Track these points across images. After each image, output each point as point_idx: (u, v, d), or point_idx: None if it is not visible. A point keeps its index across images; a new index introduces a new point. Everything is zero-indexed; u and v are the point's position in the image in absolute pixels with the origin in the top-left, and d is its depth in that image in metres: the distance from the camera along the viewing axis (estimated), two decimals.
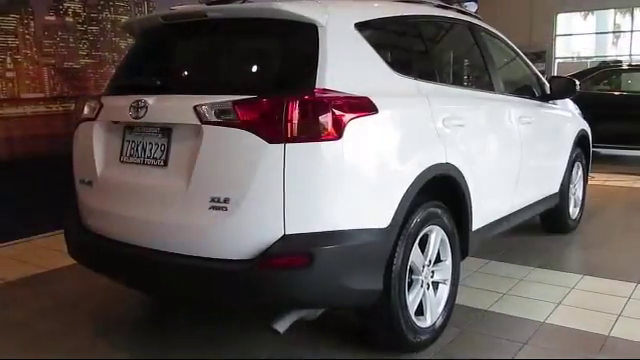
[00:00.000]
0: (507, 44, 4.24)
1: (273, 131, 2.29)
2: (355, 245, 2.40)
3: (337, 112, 2.34)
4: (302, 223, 2.33)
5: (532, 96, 4.31)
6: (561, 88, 4.41)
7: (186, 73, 2.86)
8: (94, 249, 2.87)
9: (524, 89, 4.29)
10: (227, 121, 2.37)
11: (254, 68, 2.69)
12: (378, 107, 2.51)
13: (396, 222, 2.57)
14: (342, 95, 2.40)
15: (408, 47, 3.08)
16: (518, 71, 4.37)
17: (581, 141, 5.06)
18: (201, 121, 2.41)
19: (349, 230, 2.39)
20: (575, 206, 5.16)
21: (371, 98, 2.50)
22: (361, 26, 2.69)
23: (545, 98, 4.43)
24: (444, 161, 2.89)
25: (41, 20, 5.11)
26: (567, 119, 4.87)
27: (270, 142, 2.29)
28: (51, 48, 5.21)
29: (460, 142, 3.08)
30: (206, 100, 2.41)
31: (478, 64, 3.78)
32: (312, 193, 2.33)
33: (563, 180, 4.74)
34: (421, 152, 2.78)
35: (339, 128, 2.34)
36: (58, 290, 3.89)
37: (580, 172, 5.19)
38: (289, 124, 2.28)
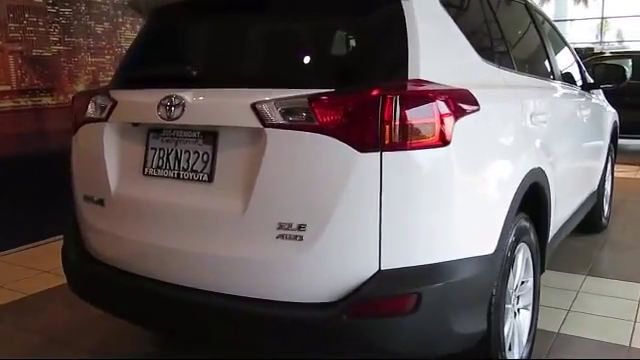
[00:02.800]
0: (554, 26, 3.78)
1: (365, 136, 1.75)
2: (464, 279, 1.89)
3: (444, 110, 1.81)
4: (403, 255, 1.80)
5: (578, 85, 3.88)
6: (607, 76, 3.98)
7: (233, 60, 2.24)
8: (107, 285, 2.26)
9: (572, 77, 3.84)
10: (300, 123, 1.80)
11: (324, 53, 2.10)
12: (479, 102, 1.99)
13: (501, 245, 2.06)
14: (445, 88, 1.87)
15: (486, 29, 2.56)
16: (566, 57, 3.92)
17: (613, 133, 4.68)
18: (263, 123, 1.84)
19: (457, 261, 1.87)
20: (606, 203, 4.79)
21: (470, 91, 1.98)
22: (445, 1, 2.15)
23: (588, 87, 3.99)
24: (537, 166, 2.40)
25: (5, 0, 4.37)
26: (605, 109, 4.47)
27: (361, 150, 1.75)
28: (17, 33, 4.47)
29: (544, 141, 2.60)
30: (269, 95, 1.84)
31: (540, 49, 3.30)
32: (416, 215, 1.80)
33: (601, 176, 4.35)
34: (520, 157, 2.28)
35: (448, 131, 1.81)
36: (44, 322, 3.24)
37: (609, 166, 4.81)
38: (387, 126, 1.74)
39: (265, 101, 1.84)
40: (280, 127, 1.83)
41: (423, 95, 1.79)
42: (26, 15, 4.51)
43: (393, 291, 1.78)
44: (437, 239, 1.83)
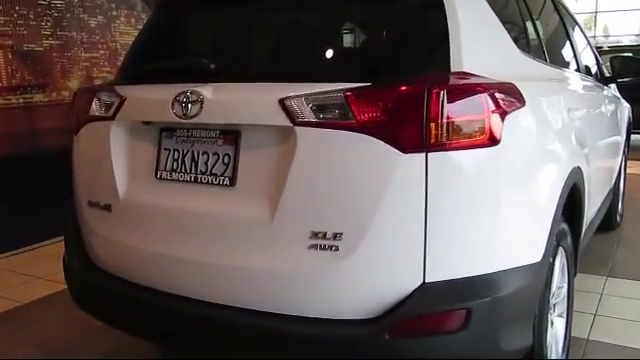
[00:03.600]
0: (574, 18, 3.62)
1: (409, 134, 1.57)
2: (514, 291, 1.72)
3: (494, 105, 1.64)
4: (449, 266, 1.63)
5: (596, 77, 3.72)
6: (626, 69, 3.83)
7: (255, 52, 2.04)
8: (116, 298, 2.07)
9: (590, 69, 3.69)
10: (334, 121, 1.62)
11: (357, 44, 1.92)
12: (524, 97, 1.82)
13: (547, 252, 1.90)
14: (493, 82, 1.70)
15: (520, 19, 2.39)
16: (585, 48, 3.76)
17: (628, 127, 4.54)
18: (293, 121, 1.66)
19: (506, 271, 1.71)
20: (619, 200, 4.66)
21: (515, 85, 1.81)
22: None
23: (605, 80, 3.84)
24: (576, 164, 2.24)
25: None
26: (621, 103, 4.32)
27: (404, 151, 1.57)
28: (7, 27, 4.24)
29: (579, 138, 2.44)
30: (299, 90, 1.65)
31: (566, 41, 3.14)
32: (465, 221, 1.63)
33: (617, 172, 4.21)
34: (563, 155, 2.12)
35: (498, 128, 1.64)
36: (42, 334, 3.04)
37: (623, 162, 4.68)
38: (433, 124, 1.56)
39: (295, 96, 1.66)
40: (312, 125, 1.65)
41: (473, 89, 1.61)
42: (16, 7, 4.29)
43: (439, 306, 1.61)
44: (487, 248, 1.67)
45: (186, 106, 1.81)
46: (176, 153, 1.91)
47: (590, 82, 3.27)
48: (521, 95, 1.80)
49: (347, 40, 1.90)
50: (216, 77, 1.86)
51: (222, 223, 1.80)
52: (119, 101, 2.01)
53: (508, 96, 1.72)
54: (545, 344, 2.02)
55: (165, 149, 1.94)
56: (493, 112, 1.62)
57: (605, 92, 3.71)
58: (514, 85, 1.79)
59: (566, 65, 3.04)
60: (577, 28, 3.66)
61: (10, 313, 3.29)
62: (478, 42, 1.82)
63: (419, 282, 1.62)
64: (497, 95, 1.66)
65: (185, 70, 1.95)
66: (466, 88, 1.61)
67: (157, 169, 1.95)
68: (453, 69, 1.69)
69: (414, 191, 1.58)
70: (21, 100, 4.35)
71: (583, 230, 2.67)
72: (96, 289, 2.14)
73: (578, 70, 3.13)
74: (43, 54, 4.48)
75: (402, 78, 1.66)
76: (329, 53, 1.91)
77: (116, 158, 2.02)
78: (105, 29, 4.93)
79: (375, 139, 1.58)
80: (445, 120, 1.56)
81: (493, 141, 1.62)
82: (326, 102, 1.63)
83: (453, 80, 1.64)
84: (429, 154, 1.57)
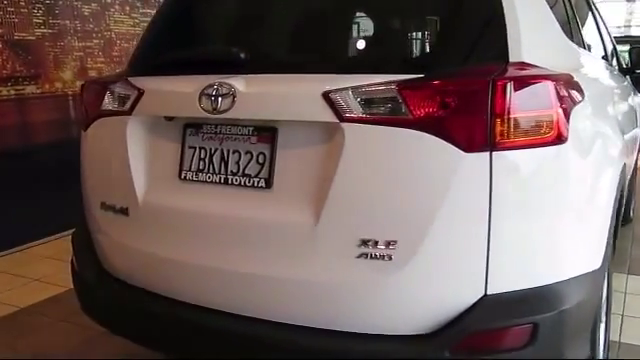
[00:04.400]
0: (597, 7, 3.48)
1: (472, 132, 1.42)
2: (580, 301, 1.58)
3: (560, 99, 1.49)
4: (513, 276, 1.49)
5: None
6: None
7: (294, 40, 1.85)
8: (134, 311, 1.90)
9: (611, 61, 3.56)
10: (387, 116, 1.47)
11: (408, 32, 1.74)
12: (583, 90, 1.68)
13: (606, 256, 1.76)
14: (556, 73, 1.54)
15: (562, 7, 2.23)
16: (607, 37, 3.63)
17: None
18: (340, 117, 1.50)
19: (572, 280, 1.56)
20: (633, 194, 4.56)
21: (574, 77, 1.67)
22: None
23: (624, 71, 3.71)
24: (624, 161, 2.11)
25: None
26: (637, 95, 4.20)
27: (467, 150, 1.42)
28: None
29: (623, 132, 2.30)
30: (345, 82, 1.49)
31: (597, 31, 3.00)
32: (531, 227, 1.48)
33: (634, 166, 4.10)
34: (616, 152, 1.99)
35: (565, 125, 1.49)
36: (42, 342, 2.85)
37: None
38: (498, 120, 1.41)
39: (341, 89, 1.49)
40: (361, 121, 1.49)
41: (540, 81, 1.46)
42: None
43: (503, 321, 1.47)
44: (552, 255, 1.52)
45: (216, 100, 1.63)
46: (202, 152, 1.74)
47: (617, 73, 3.14)
48: (581, 88, 1.66)
49: (396, 27, 1.73)
50: (249, 68, 1.68)
51: (256, 229, 1.64)
52: (136, 94, 1.83)
53: (571, 89, 1.58)
54: (598, 353, 1.89)
55: (190, 147, 1.77)
56: (560, 107, 1.48)
57: (626, 83, 3.59)
58: (573, 77, 1.64)
59: (601, 56, 2.90)
60: (599, 17, 3.53)
61: (9, 319, 3.10)
62: (534, 30, 1.67)
63: (480, 294, 1.47)
64: (562, 88, 1.51)
65: (212, 60, 1.77)
66: (533, 80, 1.46)
67: (181, 169, 1.78)
68: (512, 59, 1.53)
69: (477, 194, 1.43)
70: (12, 92, 4.12)
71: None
72: (111, 299, 1.97)
73: (608, 61, 3.00)
74: (35, 43, 4.25)
75: (460, 69, 1.51)
76: (377, 41, 1.74)
77: (133, 157, 1.85)
78: (99, 17, 4.71)
79: (433, 137, 1.43)
80: (511, 115, 1.41)
81: (560, 139, 1.47)
82: (377, 95, 1.47)
83: (516, 71, 1.48)
84: (494, 153, 1.42)
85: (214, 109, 1.64)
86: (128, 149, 1.85)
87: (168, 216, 1.79)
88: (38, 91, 4.27)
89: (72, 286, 3.35)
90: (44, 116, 4.34)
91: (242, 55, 1.70)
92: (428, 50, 1.63)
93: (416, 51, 1.65)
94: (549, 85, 1.46)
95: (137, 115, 1.84)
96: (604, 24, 3.66)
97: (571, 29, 2.21)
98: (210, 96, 1.64)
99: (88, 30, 4.62)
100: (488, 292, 1.47)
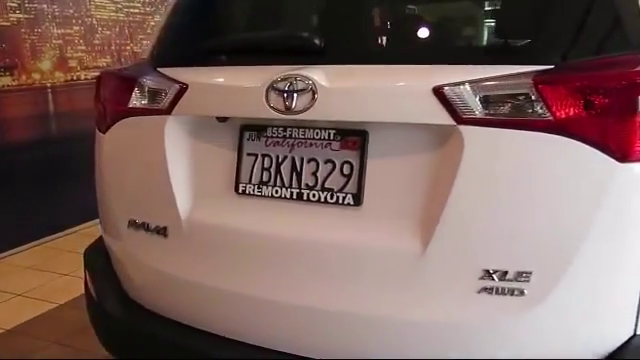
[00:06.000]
0: None
1: (628, 137, 1.14)
2: None
3: None
4: None
5: None
6: None
7: (386, 20, 1.53)
8: (175, 350, 1.57)
9: None
10: (518, 117, 1.18)
11: (529, 12, 1.43)
12: None
13: None
14: None
15: None
16: None
17: None
18: (457, 118, 1.20)
19: None
20: None
21: None
22: None
23: None
24: None
25: None
26: None
27: (622, 159, 1.14)
28: None
29: None
30: (462, 74, 1.20)
31: None
32: None
33: None
34: None
35: None
36: None
37: None
38: None
39: (458, 83, 1.20)
40: (484, 124, 1.19)
41: None
42: None
43: None
44: None
45: (289, 96, 1.32)
46: (267, 160, 1.42)
47: None
48: None
49: (517, 5, 1.43)
50: (328, 56, 1.37)
51: (343, 256, 1.33)
52: (178, 89, 1.50)
53: None
54: None
55: (249, 154, 1.44)
56: None
57: None
58: None
59: None
60: None
61: None
62: None
63: (629, 333, 1.21)
64: None
65: (279, 46, 1.45)
66: None
67: (238, 181, 1.45)
68: None
69: (632, 214, 1.16)
70: None
71: None
72: (144, 336, 1.64)
73: None
74: (10, 30, 3.82)
75: (598, 59, 1.23)
76: (494, 24, 1.43)
77: (174, 165, 1.52)
78: (79, 1, 4.29)
79: (580, 143, 1.15)
80: None
81: None
82: (505, 91, 1.19)
83: None
84: None
85: (287, 108, 1.32)
86: (167, 156, 1.51)
87: (221, 238, 1.47)
88: (14, 83, 3.84)
89: (63, 302, 3.09)
90: (21, 111, 3.92)
91: (318, 40, 1.38)
92: (556, 36, 1.33)
93: (544, 37, 1.35)
94: None
95: (178, 114, 1.51)
96: None
97: None
98: (282, 92, 1.32)
99: (67, 15, 4.21)
100: (638, 332, 1.21)
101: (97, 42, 4.46)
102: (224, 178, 1.47)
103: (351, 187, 1.33)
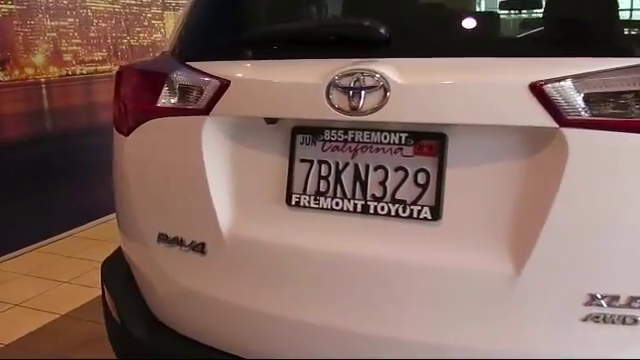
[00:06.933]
0: None
1: None
2: None
3: None
4: None
5: None
6: None
7: (467, 6, 1.36)
8: None
9: None
10: (635, 120, 1.01)
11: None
12: None
13: None
14: None
15: None
16: None
17: None
18: (559, 119, 1.04)
19: None
20: None
21: None
22: None
23: None
24: None
25: None
26: None
27: None
28: None
29: None
30: (564, 69, 1.03)
31: None
32: None
33: None
34: None
35: None
36: None
37: None
38: None
39: (559, 79, 1.03)
40: (593, 126, 1.03)
41: None
42: None
43: None
44: None
45: (356, 95, 1.14)
46: (324, 167, 1.24)
47: None
48: None
49: None
50: (395, 48, 1.19)
51: (419, 278, 1.16)
52: (217, 86, 1.31)
53: None
54: None
55: (303, 161, 1.27)
56: None
57: None
58: None
59: None
60: None
61: None
62: None
63: None
64: None
65: (339, 36, 1.27)
66: None
67: (289, 191, 1.27)
68: None
69: None
70: None
71: None
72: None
73: None
74: (1, 22, 3.58)
75: None
76: (599, 9, 1.26)
77: (213, 173, 1.33)
78: None
79: None
80: None
81: None
82: (618, 88, 1.02)
83: None
84: None
85: (353, 108, 1.14)
86: (205, 162, 1.33)
87: (271, 256, 1.29)
88: (6, 78, 3.61)
89: (64, 312, 2.89)
90: (14, 108, 3.70)
91: (381, 30, 1.20)
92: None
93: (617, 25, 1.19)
94: None
95: (218, 115, 1.32)
96: None
97: None
98: (346, 89, 1.15)
99: (61, 7, 3.98)
100: None
101: (93, 35, 4.23)
102: (273, 188, 1.29)
103: (428, 199, 1.16)
